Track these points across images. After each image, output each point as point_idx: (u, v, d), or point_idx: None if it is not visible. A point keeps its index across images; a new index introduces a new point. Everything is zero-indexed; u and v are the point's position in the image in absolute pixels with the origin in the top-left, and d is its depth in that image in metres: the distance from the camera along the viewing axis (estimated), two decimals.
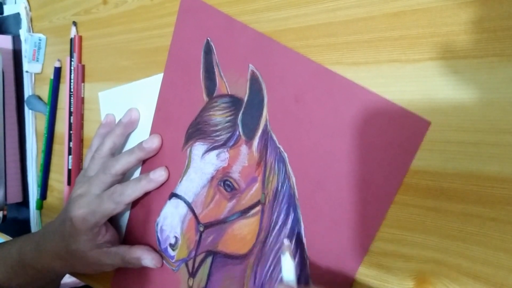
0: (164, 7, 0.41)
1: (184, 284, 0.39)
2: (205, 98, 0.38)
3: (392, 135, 0.27)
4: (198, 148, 0.38)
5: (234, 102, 0.36)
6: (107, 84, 0.48)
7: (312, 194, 0.31)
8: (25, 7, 0.61)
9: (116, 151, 0.44)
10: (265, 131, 0.34)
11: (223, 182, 0.36)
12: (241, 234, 0.35)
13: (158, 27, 0.42)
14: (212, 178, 0.37)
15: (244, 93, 0.35)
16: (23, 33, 0.60)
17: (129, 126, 0.44)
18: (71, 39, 0.52)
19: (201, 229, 0.38)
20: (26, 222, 0.64)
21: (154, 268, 0.42)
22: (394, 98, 0.27)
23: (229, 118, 0.36)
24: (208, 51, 0.38)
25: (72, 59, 0.52)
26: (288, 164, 0.32)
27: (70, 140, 0.53)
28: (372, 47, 0.28)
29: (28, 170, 0.63)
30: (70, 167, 0.53)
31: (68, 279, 0.69)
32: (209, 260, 0.37)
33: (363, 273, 0.29)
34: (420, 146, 0.26)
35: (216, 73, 0.37)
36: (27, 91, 0.62)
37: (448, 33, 0.25)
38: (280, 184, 0.33)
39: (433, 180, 0.26)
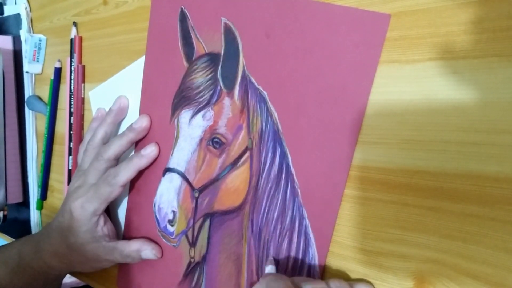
0: None
1: (186, 256, 0.39)
2: (186, 64, 0.39)
3: (357, 38, 0.28)
4: (185, 115, 0.39)
5: (212, 58, 0.37)
6: None
7: (294, 122, 0.31)
8: (26, 8, 0.61)
9: (109, 140, 0.44)
10: (244, 77, 0.34)
11: (212, 141, 0.37)
12: (234, 186, 0.35)
13: None
14: (201, 140, 0.38)
15: (220, 47, 0.36)
16: (23, 33, 0.60)
17: (119, 114, 0.44)
18: (71, 40, 0.52)
19: (196, 194, 0.38)
20: (27, 222, 0.64)
21: (154, 258, 0.42)
22: (393, 98, 0.27)
23: (209, 76, 0.37)
24: (183, 18, 0.39)
25: (73, 60, 0.52)
26: (269, 101, 0.33)
27: (70, 140, 0.53)
28: None
29: (29, 170, 0.63)
30: (70, 168, 0.53)
31: (68, 279, 0.69)
32: (207, 223, 0.38)
33: (363, 273, 0.29)
34: (420, 146, 0.26)
35: (192, 36, 0.38)
36: (28, 92, 0.62)
37: (448, 33, 0.25)
38: (264, 124, 0.33)
39: (433, 180, 0.26)
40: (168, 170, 0.40)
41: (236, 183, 0.35)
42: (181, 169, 0.39)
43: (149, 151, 0.41)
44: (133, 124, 0.42)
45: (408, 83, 0.26)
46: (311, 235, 0.31)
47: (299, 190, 0.32)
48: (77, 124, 0.52)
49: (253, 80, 0.34)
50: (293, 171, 0.32)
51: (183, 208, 0.39)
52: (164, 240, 0.41)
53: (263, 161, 0.33)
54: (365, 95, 0.28)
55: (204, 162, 0.37)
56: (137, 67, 0.44)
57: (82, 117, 0.52)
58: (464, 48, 0.24)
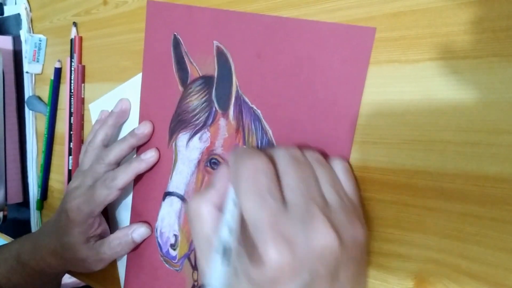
0: None
1: (189, 280, 0.39)
2: (181, 89, 0.39)
3: (344, 53, 0.29)
4: (182, 139, 0.39)
5: (207, 81, 0.37)
6: (107, 85, 0.49)
7: (289, 138, 0.32)
8: (26, 8, 0.61)
9: (109, 142, 0.44)
10: (238, 97, 0.35)
11: (209, 162, 0.37)
12: None
13: None
14: (199, 162, 0.38)
15: (213, 70, 0.36)
16: (23, 33, 0.60)
17: (121, 116, 0.44)
18: (71, 40, 0.52)
19: None
20: (27, 222, 0.64)
21: (146, 236, 0.42)
22: (393, 98, 0.27)
23: (204, 98, 0.37)
24: (176, 45, 0.40)
25: (73, 60, 0.52)
26: (263, 119, 0.33)
27: (70, 140, 0.53)
28: (372, 47, 0.28)
29: (29, 170, 0.63)
30: (70, 168, 0.53)
31: (68, 279, 0.69)
32: None
33: None
34: (420, 146, 0.26)
35: (186, 61, 0.39)
36: (28, 92, 0.62)
37: (448, 33, 0.25)
38: (259, 142, 0.34)
39: (433, 180, 0.26)
40: (168, 194, 0.41)
41: None
42: (181, 192, 0.39)
43: (149, 156, 0.41)
44: (135, 130, 0.42)
45: (408, 83, 0.26)
46: None
47: None
48: (77, 124, 0.52)
49: (246, 99, 0.34)
50: None
51: (184, 231, 0.39)
52: (166, 265, 0.41)
53: None
54: (356, 108, 0.28)
55: (203, 184, 0.38)
56: (138, 81, 0.44)
57: (82, 117, 0.52)
58: (464, 48, 0.24)
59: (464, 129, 0.24)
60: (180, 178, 0.39)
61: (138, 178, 0.43)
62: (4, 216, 0.63)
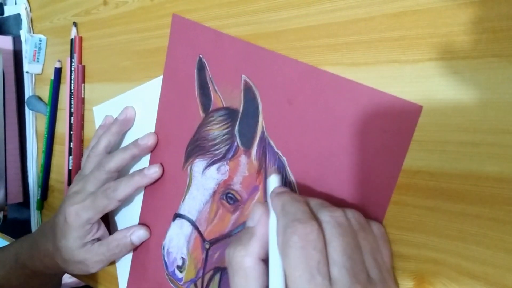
0: (164, 8, 0.41)
1: None
2: (202, 114, 0.38)
3: (386, 123, 0.27)
4: (198, 164, 0.38)
5: (230, 114, 0.36)
6: (107, 85, 0.49)
7: (313, 193, 0.31)
8: (26, 8, 0.61)
9: (112, 149, 0.44)
10: (263, 138, 0.33)
11: (225, 195, 0.36)
12: None
13: (158, 27, 0.42)
14: (214, 192, 0.37)
15: (239, 104, 0.35)
16: (23, 33, 0.60)
17: (125, 124, 0.44)
18: (71, 40, 0.52)
19: (207, 246, 0.37)
20: (27, 222, 0.64)
21: (145, 239, 0.41)
22: None
23: (226, 130, 0.36)
24: (201, 68, 0.38)
25: (73, 60, 0.52)
26: (288, 168, 0.32)
27: (70, 140, 0.53)
28: (372, 47, 0.28)
29: (29, 170, 0.63)
30: (70, 168, 0.53)
31: (68, 279, 0.69)
32: (217, 277, 0.37)
33: None
34: (420, 146, 0.26)
35: (210, 88, 0.37)
36: (28, 92, 0.62)
37: (448, 33, 0.25)
38: None
39: (433, 180, 0.26)
40: (178, 215, 0.40)
41: None
42: (192, 217, 0.39)
43: (152, 171, 0.41)
44: (138, 140, 0.42)
45: (408, 83, 0.26)
46: None
47: None
48: (77, 124, 0.52)
49: (272, 143, 0.33)
50: None
51: (192, 257, 0.39)
52: (171, 284, 0.41)
53: None
54: (394, 180, 0.27)
55: (216, 215, 0.37)
56: (145, 89, 0.44)
57: (82, 117, 0.52)
58: (464, 48, 0.24)
59: (464, 129, 0.24)
60: (193, 203, 0.39)
61: (148, 194, 0.43)
62: (4, 216, 0.63)
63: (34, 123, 0.62)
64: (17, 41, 0.63)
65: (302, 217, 0.24)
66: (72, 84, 0.52)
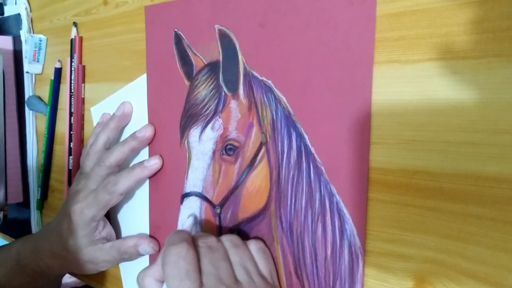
0: None
1: None
2: (187, 83, 0.39)
3: (348, 14, 0.28)
4: (194, 134, 0.38)
5: (212, 67, 0.37)
6: (107, 85, 0.49)
7: (305, 99, 0.31)
8: (26, 8, 0.61)
9: (111, 146, 0.44)
10: (246, 74, 0.34)
11: (225, 149, 0.36)
12: (256, 188, 0.34)
13: None
14: (214, 152, 0.37)
15: (218, 54, 0.36)
16: (23, 33, 0.60)
17: (123, 120, 0.44)
18: (71, 40, 0.52)
19: (218, 211, 0.37)
20: (27, 222, 0.64)
21: (152, 252, 0.41)
22: (393, 98, 0.27)
23: (212, 85, 0.37)
24: (178, 41, 0.39)
25: (73, 60, 0.52)
26: (275, 89, 0.33)
27: (70, 140, 0.53)
28: None
29: (29, 170, 0.63)
30: (70, 168, 0.53)
31: (68, 279, 0.69)
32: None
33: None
34: (420, 146, 0.26)
35: (190, 54, 0.38)
36: (28, 92, 0.62)
37: (448, 33, 0.25)
38: (274, 113, 0.33)
39: (433, 180, 0.26)
40: (185, 195, 0.39)
41: (257, 184, 0.34)
42: (198, 189, 0.38)
43: (152, 163, 0.41)
44: (136, 132, 0.42)
45: (408, 83, 0.26)
46: (345, 210, 0.29)
47: (322, 168, 0.30)
48: (77, 124, 0.52)
49: (255, 74, 0.34)
50: (312, 150, 0.31)
51: (206, 230, 0.38)
52: None
53: (280, 151, 0.33)
54: (370, 48, 0.27)
55: (220, 174, 0.36)
56: (140, 84, 0.44)
57: (82, 117, 0.52)
58: (464, 48, 0.24)
59: (464, 129, 0.24)
60: (196, 174, 0.38)
61: (153, 186, 0.43)
62: (4, 216, 0.63)
63: (34, 123, 0.62)
64: (17, 41, 0.63)
65: (175, 241, 0.30)
66: (72, 84, 0.52)
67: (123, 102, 0.45)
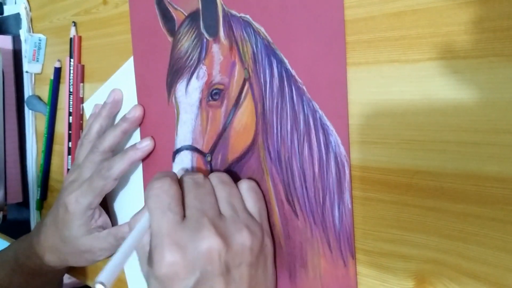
0: None
1: None
2: (170, 39, 0.39)
3: None
4: (180, 88, 0.38)
5: (193, 18, 0.37)
6: None
7: (281, 24, 0.31)
8: (25, 7, 0.61)
9: None
10: (225, 16, 0.35)
11: (210, 95, 0.36)
12: (243, 125, 0.34)
13: None
14: (200, 101, 0.37)
15: (198, 2, 0.36)
16: (23, 33, 0.60)
17: (114, 107, 0.45)
18: (70, 39, 0.52)
19: (209, 158, 0.37)
20: (26, 222, 0.64)
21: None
22: (394, 98, 0.27)
23: (194, 35, 0.37)
24: (159, 1, 0.40)
25: (72, 59, 0.52)
26: (253, 22, 0.33)
27: (69, 140, 0.53)
28: (372, 47, 0.28)
29: (28, 170, 0.63)
30: (69, 168, 0.53)
31: (68, 279, 0.69)
32: None
33: (362, 273, 0.29)
34: (420, 146, 0.26)
35: (171, 10, 0.39)
36: (27, 92, 0.62)
37: (448, 33, 0.25)
38: (254, 46, 0.33)
39: (433, 180, 0.26)
40: (176, 152, 0.39)
41: (243, 121, 0.34)
42: (188, 142, 0.38)
43: (144, 144, 0.41)
44: (126, 114, 0.42)
45: (408, 83, 0.26)
46: (328, 123, 0.30)
47: (304, 87, 0.30)
48: (76, 124, 0.52)
49: (234, 12, 0.34)
50: (293, 73, 0.31)
51: None
52: None
53: (263, 82, 0.33)
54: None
55: (208, 120, 0.37)
56: (126, 70, 0.44)
57: (81, 117, 0.52)
58: (464, 48, 0.24)
59: (464, 129, 0.24)
60: (185, 128, 0.38)
61: (145, 158, 0.42)
62: (4, 216, 0.63)
63: (34, 123, 0.62)
64: (16, 40, 0.63)
65: (158, 176, 0.31)
66: (71, 84, 0.52)
67: (113, 89, 0.45)
